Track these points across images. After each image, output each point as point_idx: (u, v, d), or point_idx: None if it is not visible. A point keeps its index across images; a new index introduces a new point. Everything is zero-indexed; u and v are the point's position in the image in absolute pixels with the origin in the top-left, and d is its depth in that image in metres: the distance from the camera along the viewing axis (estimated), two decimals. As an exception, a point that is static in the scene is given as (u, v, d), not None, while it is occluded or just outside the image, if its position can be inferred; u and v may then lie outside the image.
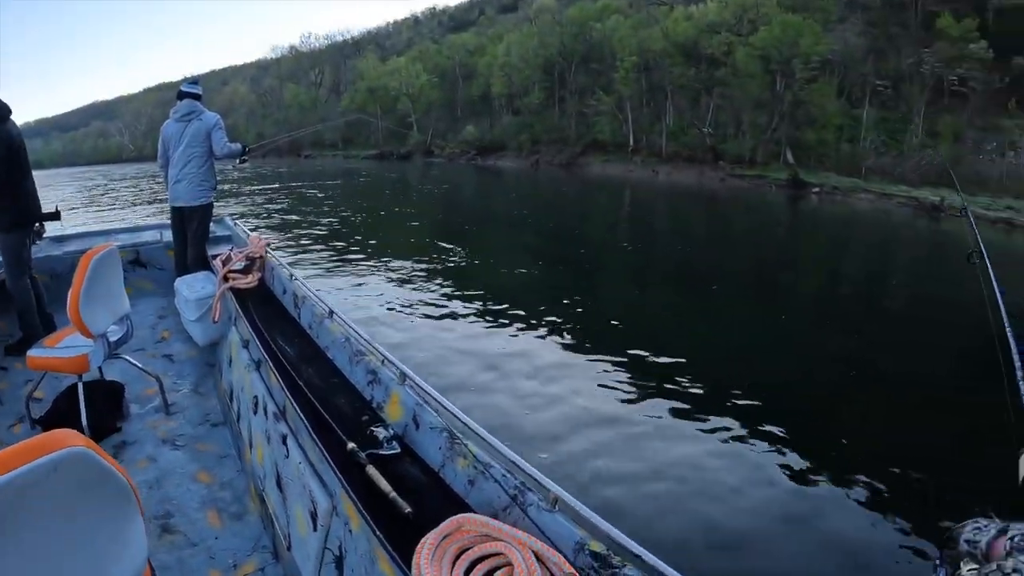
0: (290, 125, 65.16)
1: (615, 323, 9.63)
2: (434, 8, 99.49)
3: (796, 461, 5.58)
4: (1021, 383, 1.69)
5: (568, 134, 55.25)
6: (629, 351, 8.04)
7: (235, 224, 6.33)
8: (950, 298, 12.51)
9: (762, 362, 8.23)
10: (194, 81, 5.83)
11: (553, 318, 9.17)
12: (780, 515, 4.83)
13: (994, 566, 0.84)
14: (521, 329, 8.74)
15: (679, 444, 5.82)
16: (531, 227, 21.18)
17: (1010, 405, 1.67)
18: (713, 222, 26.83)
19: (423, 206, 26.15)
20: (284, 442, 2.55)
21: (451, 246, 15.29)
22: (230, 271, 4.53)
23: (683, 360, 8.03)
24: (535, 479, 1.79)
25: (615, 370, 7.42)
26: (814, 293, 13.59)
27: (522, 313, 9.41)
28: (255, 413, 3.03)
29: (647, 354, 8.03)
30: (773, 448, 5.78)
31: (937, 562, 1.05)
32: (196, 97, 5.61)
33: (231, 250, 5.11)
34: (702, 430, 6.06)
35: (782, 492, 5.17)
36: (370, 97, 69.48)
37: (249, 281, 4.48)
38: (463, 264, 13.51)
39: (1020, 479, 1.28)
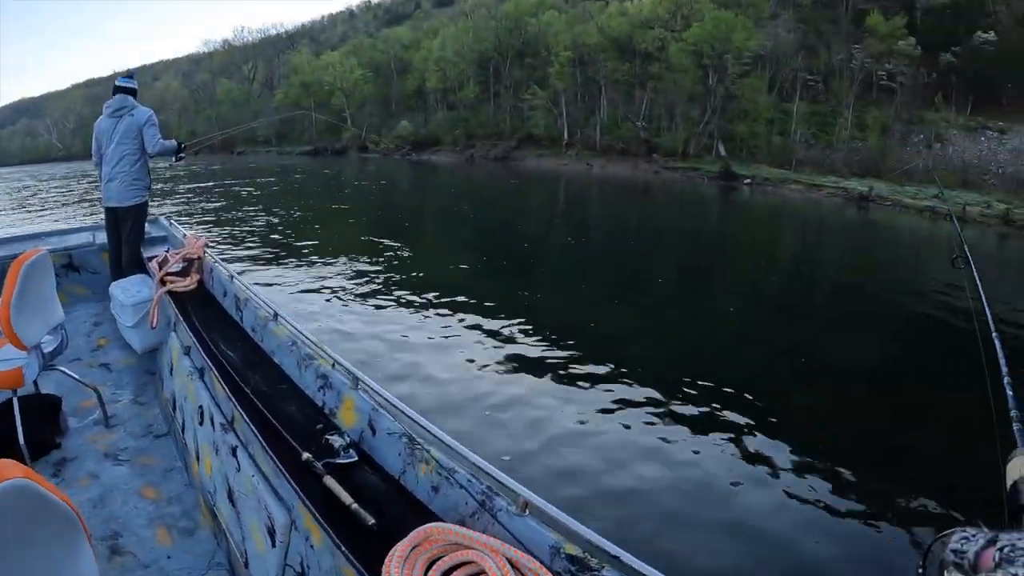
0: (223, 121, 63.69)
1: (560, 318, 9.58)
2: (369, 2, 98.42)
3: (759, 461, 5.42)
4: (1008, 388, 1.71)
5: (503, 128, 55.66)
6: (575, 346, 8.04)
7: (171, 224, 6.07)
8: (894, 286, 12.98)
9: (714, 355, 8.29)
10: (129, 75, 5.49)
11: (497, 315, 9.11)
12: (743, 519, 4.64)
13: None
14: (466, 325, 8.66)
15: (631, 443, 5.69)
16: (470, 222, 21.20)
17: (994, 409, 1.68)
18: (651, 215, 27.26)
19: (361, 202, 25.76)
20: (234, 454, 2.44)
21: (391, 242, 15.07)
22: (167, 274, 4.37)
23: (631, 355, 8.01)
24: (502, 483, 1.75)
25: (561, 365, 7.37)
26: (751, 281, 13.87)
27: (465, 309, 9.34)
28: (201, 424, 2.91)
29: (593, 348, 8.02)
30: (727, 444, 5.70)
31: (920, 572, 1.04)
32: (130, 92, 5.35)
33: (167, 251, 4.92)
34: (656, 432, 5.91)
35: (742, 492, 5.01)
36: (304, 92, 68.39)
37: (188, 283, 4.33)
38: (406, 261, 13.33)
39: (1007, 486, 1.28)
